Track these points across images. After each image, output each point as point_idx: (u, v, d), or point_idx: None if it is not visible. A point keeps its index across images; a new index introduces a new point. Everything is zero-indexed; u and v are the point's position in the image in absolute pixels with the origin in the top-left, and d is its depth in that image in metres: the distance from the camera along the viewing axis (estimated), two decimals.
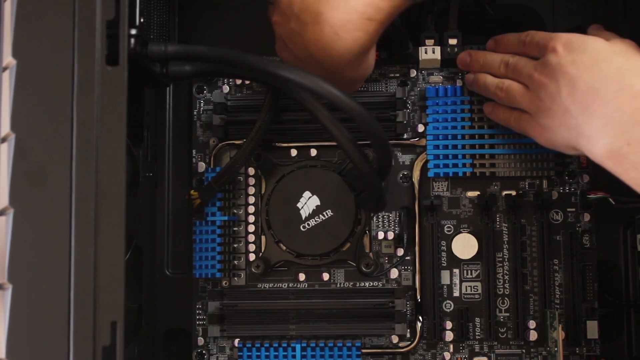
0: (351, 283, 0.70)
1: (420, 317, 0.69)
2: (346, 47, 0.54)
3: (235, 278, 0.70)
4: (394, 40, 0.67)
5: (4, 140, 0.47)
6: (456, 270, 0.70)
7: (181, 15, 0.72)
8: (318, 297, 0.69)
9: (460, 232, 0.70)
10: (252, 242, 0.70)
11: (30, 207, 0.46)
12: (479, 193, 0.70)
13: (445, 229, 0.70)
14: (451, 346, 0.69)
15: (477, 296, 0.69)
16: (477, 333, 0.69)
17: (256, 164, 0.69)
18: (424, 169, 0.70)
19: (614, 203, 0.66)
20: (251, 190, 0.71)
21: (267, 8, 0.62)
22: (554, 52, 0.57)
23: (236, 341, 0.69)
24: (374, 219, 0.70)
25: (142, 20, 0.59)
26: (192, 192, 0.68)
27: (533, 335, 0.69)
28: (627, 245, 0.71)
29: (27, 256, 0.46)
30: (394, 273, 0.70)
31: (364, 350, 0.69)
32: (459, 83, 0.70)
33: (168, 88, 0.73)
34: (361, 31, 0.53)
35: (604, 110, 0.52)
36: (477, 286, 0.69)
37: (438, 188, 0.71)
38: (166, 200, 0.73)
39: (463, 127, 0.69)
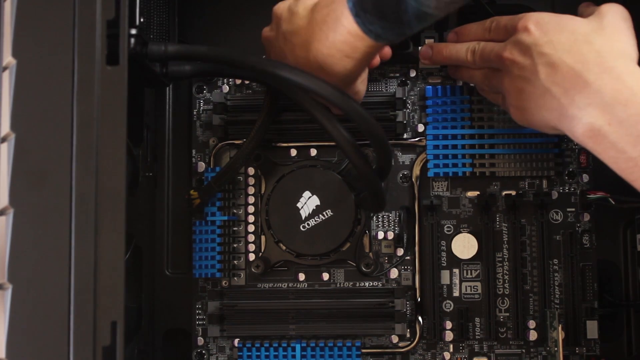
0: (351, 283, 0.70)
1: (420, 317, 0.69)
2: (328, 77, 0.56)
3: (235, 278, 0.70)
4: None
5: (4, 140, 0.47)
6: (456, 270, 0.70)
7: (181, 15, 0.72)
8: (318, 297, 0.69)
9: (460, 232, 0.70)
10: (252, 242, 0.70)
11: (30, 207, 0.46)
12: (478, 193, 0.70)
13: (445, 229, 0.70)
14: (451, 346, 0.69)
15: (477, 296, 0.69)
16: (477, 333, 0.69)
17: (256, 164, 0.69)
18: (424, 169, 0.70)
19: (614, 203, 0.66)
20: (251, 190, 0.71)
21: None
22: (525, 31, 0.56)
23: (236, 341, 0.69)
24: (374, 219, 0.70)
25: (142, 20, 0.59)
26: (192, 192, 0.68)
27: (533, 335, 0.69)
28: (627, 245, 0.71)
29: (27, 256, 0.46)
30: (394, 273, 0.70)
31: (364, 350, 0.69)
32: (458, 83, 0.70)
33: (168, 88, 0.73)
34: (340, 66, 0.55)
35: (587, 92, 0.53)
36: (477, 286, 0.69)
37: (438, 188, 0.71)
38: (166, 200, 0.73)
39: (463, 127, 0.69)
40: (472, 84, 0.68)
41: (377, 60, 0.64)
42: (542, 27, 0.56)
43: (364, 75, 0.61)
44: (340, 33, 0.53)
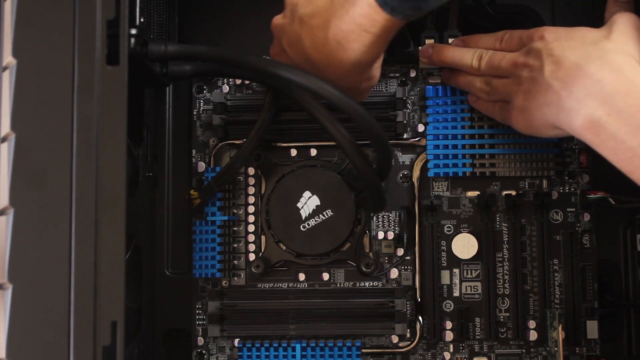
0: (351, 283, 0.70)
1: (420, 317, 0.69)
2: (346, 57, 0.55)
3: (235, 278, 0.70)
4: (395, 39, 0.66)
5: (4, 140, 0.47)
6: (456, 270, 0.70)
7: (181, 15, 0.72)
8: (318, 297, 0.70)
9: (460, 232, 0.70)
10: (252, 242, 0.70)
11: (30, 207, 0.46)
12: (479, 193, 0.70)
13: (445, 229, 0.70)
14: (451, 346, 0.69)
15: (477, 296, 0.69)
16: (477, 333, 0.69)
17: (256, 163, 0.69)
18: (424, 169, 0.70)
19: (614, 203, 0.66)
20: (251, 190, 0.71)
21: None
22: (541, 39, 0.58)
23: (236, 341, 0.69)
24: (374, 219, 0.70)
25: (142, 20, 0.59)
26: (192, 192, 0.68)
27: (533, 335, 0.69)
28: (627, 245, 0.71)
29: (27, 256, 0.46)
30: (394, 273, 0.70)
31: (364, 350, 0.69)
32: None
33: (168, 88, 0.73)
34: (359, 43, 0.54)
35: (586, 83, 0.53)
36: (477, 286, 0.69)
37: (438, 188, 0.71)
38: (166, 200, 0.73)
39: (463, 127, 0.69)
40: (467, 91, 0.68)
41: None
42: (555, 35, 0.58)
43: (379, 61, 0.61)
44: (360, 6, 0.52)
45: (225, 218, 0.69)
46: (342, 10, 0.53)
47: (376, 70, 0.61)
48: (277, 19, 0.60)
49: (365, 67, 0.58)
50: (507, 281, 0.69)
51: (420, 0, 0.51)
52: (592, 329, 0.68)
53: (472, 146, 0.69)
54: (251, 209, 0.71)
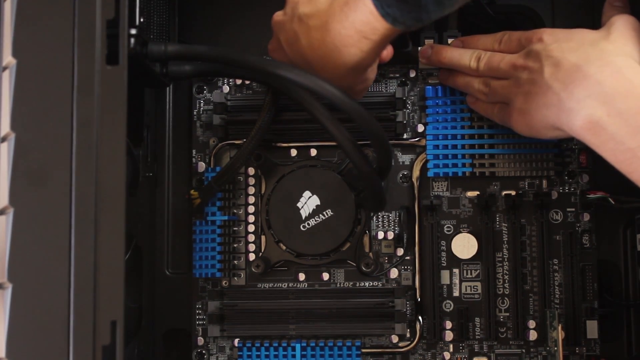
0: (351, 283, 0.70)
1: (420, 317, 0.69)
2: (342, 61, 0.55)
3: (235, 278, 0.70)
4: (394, 39, 0.66)
5: (4, 140, 0.47)
6: (456, 270, 0.70)
7: (181, 15, 0.72)
8: (318, 297, 0.70)
9: (460, 232, 0.70)
10: (252, 242, 0.70)
11: (30, 207, 0.46)
12: (478, 193, 0.70)
13: (445, 229, 0.70)
14: (451, 346, 0.69)
15: (477, 296, 0.69)
16: (477, 333, 0.69)
17: (256, 163, 0.69)
18: (424, 169, 0.70)
19: (613, 203, 0.66)
20: (251, 190, 0.71)
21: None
22: (540, 41, 0.59)
23: (236, 341, 0.69)
24: (374, 219, 0.70)
25: (142, 20, 0.59)
26: (192, 191, 0.68)
27: (533, 335, 0.69)
28: (627, 245, 0.71)
29: (27, 256, 0.46)
30: (394, 273, 0.70)
31: (363, 350, 0.69)
32: None
33: (168, 88, 0.73)
34: (357, 48, 0.54)
35: (586, 84, 0.54)
36: (477, 286, 0.69)
37: (438, 188, 0.71)
38: (166, 200, 0.73)
39: (463, 127, 0.69)
40: (465, 92, 0.68)
41: (388, 53, 0.64)
42: (554, 36, 0.58)
43: (374, 64, 0.61)
44: (362, 12, 0.52)
45: (225, 218, 0.70)
46: (342, 14, 0.53)
47: (371, 72, 0.61)
48: (278, 15, 0.60)
49: (360, 71, 0.58)
50: (507, 281, 0.69)
51: (422, 12, 0.51)
52: (592, 329, 0.68)
53: (472, 146, 0.69)
54: (251, 209, 0.71)
